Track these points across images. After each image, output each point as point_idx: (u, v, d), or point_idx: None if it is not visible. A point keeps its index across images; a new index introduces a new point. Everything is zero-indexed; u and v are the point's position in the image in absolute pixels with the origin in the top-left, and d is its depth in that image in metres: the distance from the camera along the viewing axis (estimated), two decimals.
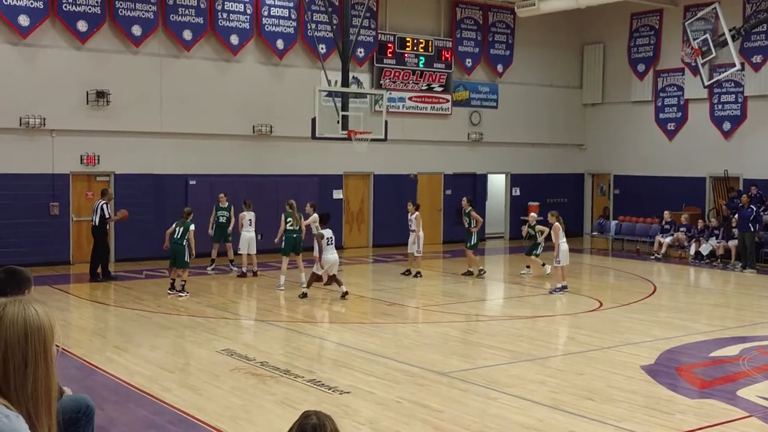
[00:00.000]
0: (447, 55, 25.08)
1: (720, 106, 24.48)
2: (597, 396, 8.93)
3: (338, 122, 18.90)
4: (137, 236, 20.15)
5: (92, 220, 17.57)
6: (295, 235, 16.22)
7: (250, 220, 18.10)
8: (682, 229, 22.59)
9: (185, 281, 15.56)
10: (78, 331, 12.55)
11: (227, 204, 18.80)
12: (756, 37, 23.31)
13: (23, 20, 18.47)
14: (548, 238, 17.55)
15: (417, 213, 18.55)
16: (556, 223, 16.55)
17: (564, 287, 16.41)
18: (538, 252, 18.54)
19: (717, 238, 21.61)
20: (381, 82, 23.80)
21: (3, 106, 18.42)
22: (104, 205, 17.40)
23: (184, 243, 15.33)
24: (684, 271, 20.80)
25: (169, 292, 15.51)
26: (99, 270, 17.38)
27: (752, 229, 20.06)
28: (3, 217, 18.55)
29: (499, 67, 26.29)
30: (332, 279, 15.33)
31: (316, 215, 16.23)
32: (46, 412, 2.58)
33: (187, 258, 15.40)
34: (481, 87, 26.13)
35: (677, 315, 14.31)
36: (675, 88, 25.63)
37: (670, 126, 25.81)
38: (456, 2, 25.30)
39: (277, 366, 10.12)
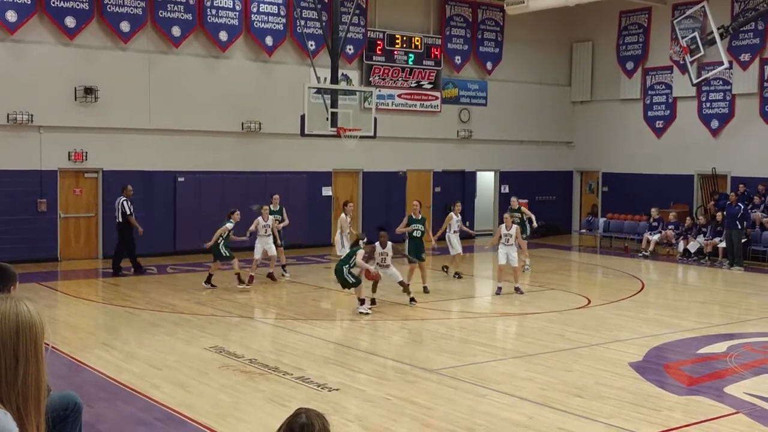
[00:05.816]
0: (436, 53, 25.07)
1: (708, 104, 24.59)
2: (585, 393, 8.96)
3: (327, 119, 18.87)
4: None
5: (116, 217, 17.97)
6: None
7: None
8: (670, 226, 22.68)
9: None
10: (66, 328, 12.50)
11: (279, 206, 17.89)
12: (744, 35, 23.41)
13: (11, 16, 18.36)
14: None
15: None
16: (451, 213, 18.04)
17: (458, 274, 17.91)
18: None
19: (705, 236, 21.70)
20: (370, 79, 23.78)
21: None
22: (124, 202, 17.84)
23: None
24: (672, 268, 20.88)
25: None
26: (131, 263, 17.87)
27: (740, 227, 20.16)
28: None
29: (489, 65, 26.32)
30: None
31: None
32: (35, 409, 2.57)
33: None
34: (470, 84, 26.15)
35: (665, 312, 14.36)
36: (663, 86, 25.72)
37: (659, 124, 25.91)
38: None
39: (266, 363, 10.11)
